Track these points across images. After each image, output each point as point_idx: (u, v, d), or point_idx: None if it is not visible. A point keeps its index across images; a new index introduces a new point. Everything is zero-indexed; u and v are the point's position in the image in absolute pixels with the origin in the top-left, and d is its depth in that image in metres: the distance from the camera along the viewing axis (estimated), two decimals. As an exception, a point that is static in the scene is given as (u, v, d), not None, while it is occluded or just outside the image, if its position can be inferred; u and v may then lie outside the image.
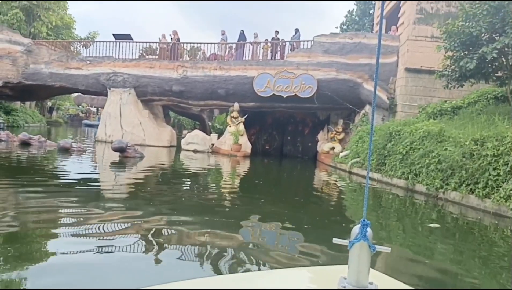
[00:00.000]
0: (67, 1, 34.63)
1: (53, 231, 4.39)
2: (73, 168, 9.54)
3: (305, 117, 21.35)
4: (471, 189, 7.54)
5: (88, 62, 18.63)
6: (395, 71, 16.04)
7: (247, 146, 17.57)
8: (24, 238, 4.06)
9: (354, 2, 27.23)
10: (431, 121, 10.36)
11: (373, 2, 25.13)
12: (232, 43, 19.10)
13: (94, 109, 60.23)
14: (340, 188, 10.45)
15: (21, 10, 29.00)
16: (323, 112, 20.02)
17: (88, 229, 4.51)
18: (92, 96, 46.00)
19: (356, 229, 1.20)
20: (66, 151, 11.58)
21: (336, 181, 11.64)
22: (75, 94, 54.39)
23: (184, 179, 9.83)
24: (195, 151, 17.34)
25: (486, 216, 6.86)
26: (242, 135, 17.64)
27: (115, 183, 8.13)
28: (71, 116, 61.85)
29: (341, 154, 14.93)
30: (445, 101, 13.69)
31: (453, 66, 11.34)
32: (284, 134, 21.92)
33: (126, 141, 11.56)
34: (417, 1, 15.28)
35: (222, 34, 19.02)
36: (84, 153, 12.00)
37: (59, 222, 4.83)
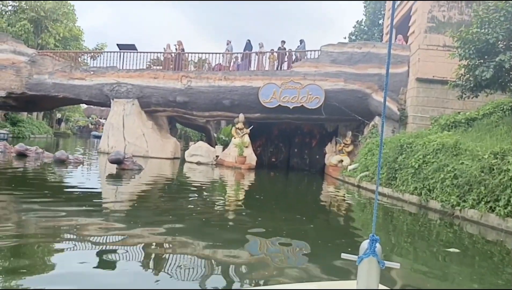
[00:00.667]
0: (76, 13, 34.80)
1: (36, 250, 3.90)
2: (63, 181, 9.08)
3: (312, 128, 20.81)
4: (491, 207, 6.89)
5: (92, 72, 18.38)
6: (406, 81, 15.47)
7: (252, 158, 17.04)
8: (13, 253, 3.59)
9: (363, 12, 26.85)
10: (445, 133, 9.74)
11: (382, 12, 24.70)
12: (237, 53, 18.73)
13: (103, 121, 60.46)
14: (348, 203, 9.85)
15: (29, 22, 29.10)
16: (331, 123, 19.48)
17: (81, 244, 4.12)
18: (102, 108, 46.15)
19: (365, 244, 1.22)
20: (62, 163, 11.16)
21: (344, 196, 11.03)
22: (85, 106, 54.87)
23: (181, 193, 9.30)
24: (198, 163, 16.86)
25: (508, 237, 6.22)
26: (247, 147, 17.14)
27: (105, 197, 7.65)
28: (80, 128, 62.30)
29: (350, 167, 14.33)
30: (459, 113, 13.03)
31: (467, 76, 10.76)
32: (290, 146, 21.36)
33: (124, 152, 11.10)
34: (428, 10, 14.78)
35: (227, 44, 18.68)
36: (81, 165, 11.57)
37: (40, 238, 4.34)
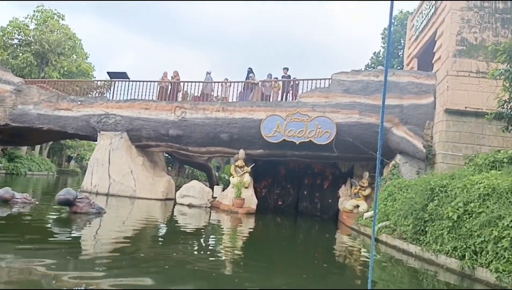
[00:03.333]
0: (84, 48, 34.21)
1: None
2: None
3: (324, 168, 18.45)
4: None
5: (79, 102, 16.74)
6: (432, 114, 13.21)
7: (251, 201, 14.68)
8: None
9: (381, 43, 25.09)
10: (494, 173, 7.31)
11: (402, 42, 22.89)
12: (237, 82, 16.84)
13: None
14: (364, 261, 7.36)
15: (33, 55, 28.32)
16: (344, 162, 17.11)
17: None
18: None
19: None
20: (5, 202, 9.13)
21: (359, 252, 8.53)
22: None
23: (128, 257, 6.99)
24: (189, 206, 14.61)
25: None
26: (247, 187, 14.85)
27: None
28: (96, 166, 61.17)
29: (366, 215, 11.87)
30: (499, 151, 10.56)
31: (514, 101, 8.50)
32: (299, 188, 18.91)
33: (76, 192, 8.93)
34: (457, 31, 12.74)
35: (207, 75, 16.98)
36: (30, 206, 9.43)
37: None
